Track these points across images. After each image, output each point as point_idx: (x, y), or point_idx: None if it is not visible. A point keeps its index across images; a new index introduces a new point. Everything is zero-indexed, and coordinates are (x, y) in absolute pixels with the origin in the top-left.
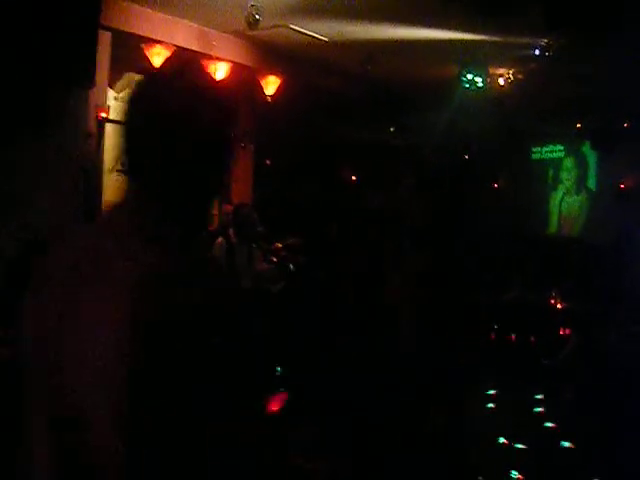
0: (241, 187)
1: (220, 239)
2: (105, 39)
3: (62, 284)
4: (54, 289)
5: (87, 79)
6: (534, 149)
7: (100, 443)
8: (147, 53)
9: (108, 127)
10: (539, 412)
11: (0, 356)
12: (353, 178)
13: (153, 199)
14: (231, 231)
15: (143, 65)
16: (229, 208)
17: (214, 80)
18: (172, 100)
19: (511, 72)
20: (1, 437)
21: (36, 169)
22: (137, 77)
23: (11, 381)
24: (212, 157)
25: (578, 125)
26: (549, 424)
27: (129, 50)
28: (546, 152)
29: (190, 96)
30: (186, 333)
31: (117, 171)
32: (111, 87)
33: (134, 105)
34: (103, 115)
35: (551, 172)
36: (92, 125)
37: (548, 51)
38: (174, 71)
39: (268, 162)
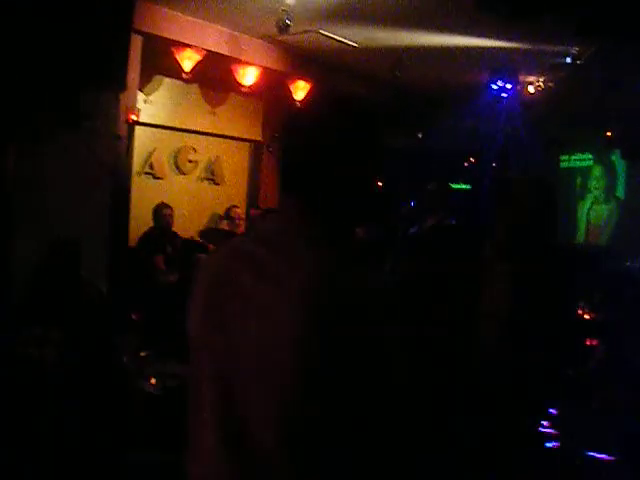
0: (269, 191)
1: None
2: (136, 43)
3: (232, 290)
4: (225, 294)
5: (118, 82)
6: (562, 157)
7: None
8: (177, 57)
9: (137, 130)
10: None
11: (31, 356)
12: (379, 184)
13: (318, 215)
14: None
15: (173, 68)
16: (256, 212)
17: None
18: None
19: (541, 80)
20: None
21: (67, 171)
22: (166, 80)
23: (39, 381)
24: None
25: (608, 133)
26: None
27: (159, 53)
28: (574, 160)
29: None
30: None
31: (145, 174)
32: (141, 90)
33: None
34: (133, 118)
35: (579, 180)
36: (122, 128)
37: (579, 59)
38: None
39: None
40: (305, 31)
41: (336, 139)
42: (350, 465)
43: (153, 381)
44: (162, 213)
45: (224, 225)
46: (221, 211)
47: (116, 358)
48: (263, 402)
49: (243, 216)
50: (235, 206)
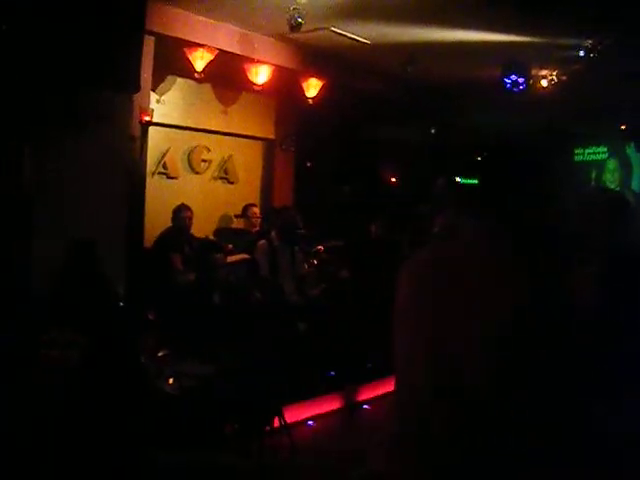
0: (282, 189)
1: (263, 241)
2: (149, 43)
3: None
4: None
5: (132, 84)
6: (577, 151)
7: None
8: (189, 56)
9: (151, 130)
10: None
11: (52, 359)
12: (393, 180)
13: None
14: (274, 233)
15: (185, 68)
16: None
17: None
18: None
19: (554, 73)
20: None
21: (82, 172)
22: (179, 80)
23: (62, 383)
24: None
25: (622, 126)
26: None
27: (171, 53)
28: (589, 154)
29: None
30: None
31: (159, 174)
32: (154, 90)
33: None
34: (147, 118)
35: (594, 174)
36: (136, 128)
37: (592, 52)
38: None
39: (309, 164)
40: (317, 29)
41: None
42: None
43: (171, 381)
44: (182, 215)
45: (240, 224)
46: (235, 210)
47: (135, 358)
48: (473, 348)
49: (259, 215)
50: (252, 204)
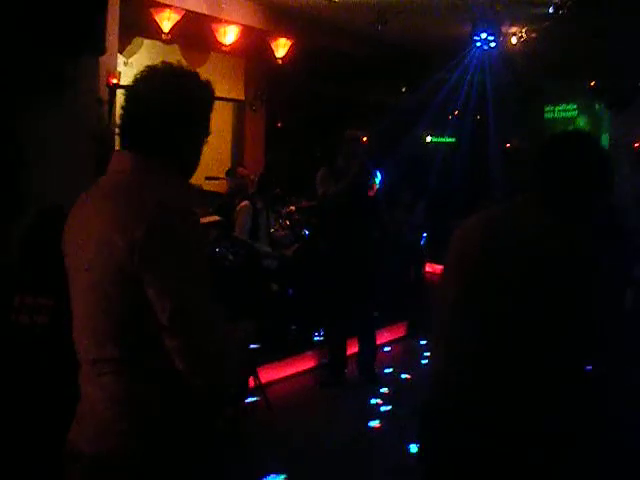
0: (253, 150)
1: (246, 203)
2: (114, 4)
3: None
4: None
5: (98, 46)
6: (547, 108)
7: None
8: (156, 17)
9: (119, 93)
10: None
11: (21, 325)
12: (364, 139)
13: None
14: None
15: (152, 29)
16: (244, 172)
17: None
18: None
19: (524, 31)
20: None
21: (50, 136)
22: (146, 41)
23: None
24: None
25: (592, 83)
26: None
27: (138, 15)
28: (559, 111)
29: None
30: None
31: None
32: (121, 52)
33: None
34: (114, 81)
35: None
36: (103, 91)
37: (561, 9)
38: None
39: (280, 124)
40: None
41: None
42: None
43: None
44: None
45: (212, 186)
46: (206, 172)
47: None
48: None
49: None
50: (240, 165)
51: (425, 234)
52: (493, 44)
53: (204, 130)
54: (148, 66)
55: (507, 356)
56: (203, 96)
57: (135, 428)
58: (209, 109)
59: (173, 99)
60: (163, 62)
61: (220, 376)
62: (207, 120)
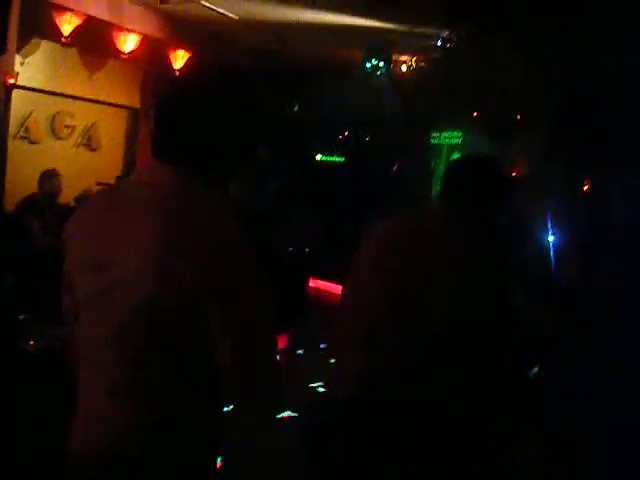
0: (145, 158)
1: None
2: (15, 4)
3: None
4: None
5: None
6: (433, 134)
7: None
8: (57, 20)
9: (14, 93)
10: None
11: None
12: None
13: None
14: None
15: (52, 31)
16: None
17: None
18: None
19: (414, 59)
20: None
21: None
22: (45, 42)
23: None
24: None
25: (475, 113)
26: None
27: (38, 16)
28: (444, 137)
29: None
30: None
31: (21, 138)
32: (18, 52)
33: None
34: (11, 81)
35: (452, 157)
36: (0, 90)
37: (449, 42)
38: None
39: None
40: (187, 1)
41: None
42: None
43: (32, 342)
44: (50, 180)
45: None
46: (98, 178)
47: None
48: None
49: None
50: (131, 172)
51: (307, 250)
52: (383, 70)
53: (245, 147)
54: (193, 76)
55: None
56: (248, 113)
57: (151, 453)
58: (253, 126)
59: (223, 114)
60: (208, 72)
61: (274, 393)
62: (248, 137)
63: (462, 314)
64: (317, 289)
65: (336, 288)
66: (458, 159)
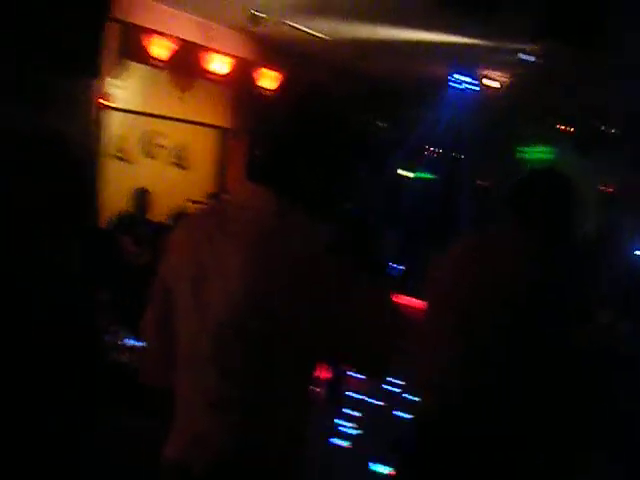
0: (235, 176)
1: None
2: (110, 29)
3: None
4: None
5: (93, 69)
6: (520, 149)
7: None
8: (149, 43)
9: (108, 114)
10: None
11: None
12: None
13: None
14: None
15: (144, 54)
16: (225, 197)
17: None
18: None
19: (501, 75)
20: None
21: None
22: (137, 65)
23: None
24: None
25: (562, 127)
26: None
27: (131, 40)
28: (532, 153)
29: None
30: None
31: (115, 157)
32: (112, 75)
33: None
34: (105, 103)
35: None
36: (94, 112)
37: (538, 57)
38: None
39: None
40: (275, 22)
41: None
42: None
43: (124, 353)
44: (140, 198)
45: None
46: (188, 196)
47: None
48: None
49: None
50: (222, 191)
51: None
52: (469, 86)
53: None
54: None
55: (503, 373)
56: (346, 137)
57: (251, 466)
58: (350, 149)
59: (322, 140)
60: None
61: (385, 367)
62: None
63: (537, 340)
64: (407, 306)
65: (417, 303)
66: (528, 173)
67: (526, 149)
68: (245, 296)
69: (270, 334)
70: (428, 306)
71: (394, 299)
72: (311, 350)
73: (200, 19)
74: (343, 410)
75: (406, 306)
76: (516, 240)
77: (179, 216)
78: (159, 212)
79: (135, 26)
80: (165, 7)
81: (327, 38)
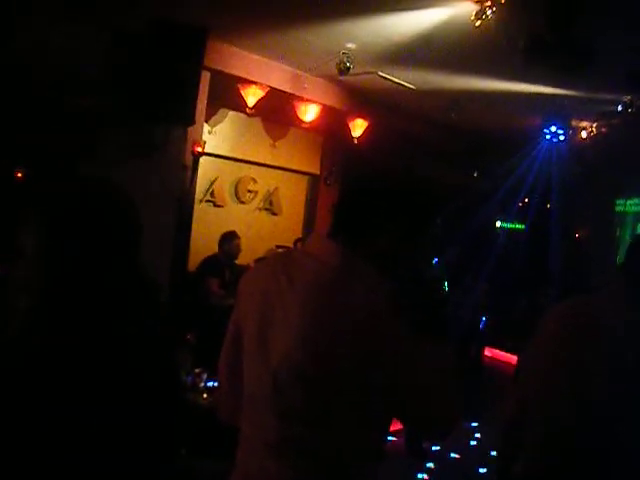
0: (324, 222)
1: None
2: (205, 78)
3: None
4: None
5: (188, 117)
6: (618, 202)
7: None
8: (242, 92)
9: (202, 159)
10: None
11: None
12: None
13: None
14: None
15: (237, 102)
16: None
17: None
18: None
19: (594, 126)
20: None
21: (138, 197)
22: (231, 113)
23: None
24: None
25: None
26: None
27: (225, 88)
28: (630, 205)
29: None
30: None
31: (206, 201)
32: (206, 122)
33: None
34: (199, 150)
35: (638, 225)
36: (188, 158)
37: (630, 107)
38: None
39: None
40: (364, 73)
41: None
42: None
43: (205, 395)
44: (230, 241)
45: None
46: (278, 241)
47: (172, 373)
48: None
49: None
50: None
51: (484, 318)
52: (562, 137)
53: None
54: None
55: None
56: (430, 207)
57: None
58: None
59: (404, 210)
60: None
61: (452, 426)
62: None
63: None
64: (493, 358)
65: (511, 358)
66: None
67: (624, 201)
68: (304, 343)
69: (327, 382)
70: (532, 362)
71: (469, 355)
72: (374, 404)
73: (292, 69)
74: (425, 464)
75: (492, 358)
76: (628, 299)
77: (261, 260)
78: (250, 256)
79: (231, 76)
80: (259, 57)
81: (417, 88)
